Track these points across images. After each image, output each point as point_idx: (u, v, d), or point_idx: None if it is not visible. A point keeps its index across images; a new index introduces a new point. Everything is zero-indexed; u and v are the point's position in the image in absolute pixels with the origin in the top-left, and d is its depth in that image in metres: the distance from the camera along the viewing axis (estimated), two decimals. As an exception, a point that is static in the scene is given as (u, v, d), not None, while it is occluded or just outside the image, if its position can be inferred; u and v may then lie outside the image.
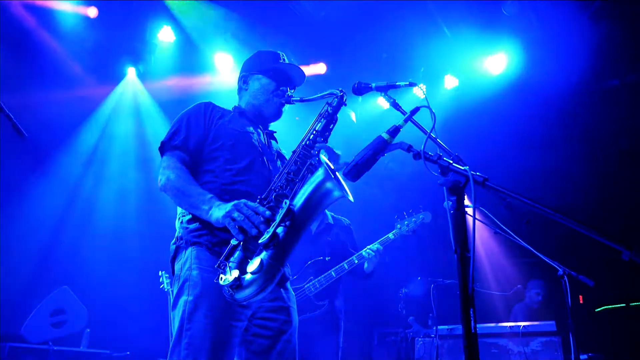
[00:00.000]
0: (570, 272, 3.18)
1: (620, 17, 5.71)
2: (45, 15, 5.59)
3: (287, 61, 2.57)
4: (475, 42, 6.34)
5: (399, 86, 2.09)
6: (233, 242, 2.00)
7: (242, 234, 1.97)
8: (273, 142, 2.59)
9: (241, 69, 2.63)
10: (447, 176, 1.62)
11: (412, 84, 2.10)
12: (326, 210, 4.25)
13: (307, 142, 2.23)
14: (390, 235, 4.03)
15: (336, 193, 2.03)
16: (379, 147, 1.79)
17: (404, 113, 1.91)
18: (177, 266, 2.21)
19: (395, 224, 4.08)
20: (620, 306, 4.93)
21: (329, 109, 2.28)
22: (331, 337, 3.89)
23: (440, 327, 4.50)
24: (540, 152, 6.79)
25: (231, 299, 1.94)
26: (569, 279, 3.15)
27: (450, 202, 1.57)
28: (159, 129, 6.29)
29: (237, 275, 1.91)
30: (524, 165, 6.61)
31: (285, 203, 1.98)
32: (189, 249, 2.17)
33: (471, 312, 1.45)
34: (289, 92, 2.50)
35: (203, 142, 2.33)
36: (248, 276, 1.91)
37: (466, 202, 1.60)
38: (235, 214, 1.99)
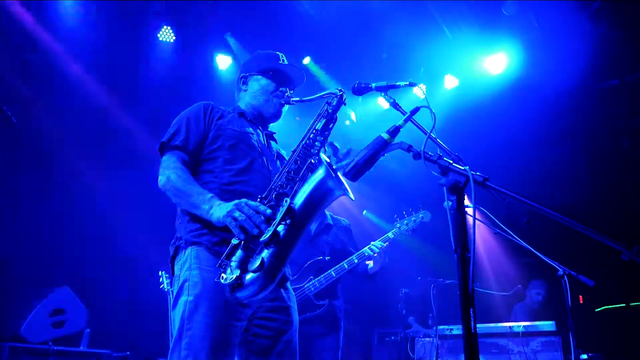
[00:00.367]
0: (570, 272, 3.18)
1: (620, 16, 5.71)
2: (45, 15, 5.59)
3: (286, 62, 2.57)
4: (475, 42, 6.34)
5: (399, 86, 2.09)
6: (234, 241, 2.01)
7: (243, 233, 1.98)
8: (273, 142, 2.59)
9: (240, 70, 2.64)
10: (447, 176, 1.62)
11: (412, 84, 2.10)
12: (325, 211, 4.25)
13: (307, 141, 2.23)
14: (390, 234, 4.02)
15: (337, 192, 2.03)
16: (379, 147, 1.80)
17: (404, 113, 1.91)
18: (177, 266, 2.21)
19: (394, 223, 4.08)
20: (620, 306, 4.94)
21: (329, 108, 2.28)
22: (331, 337, 3.89)
23: (440, 327, 4.50)
24: (540, 152, 6.80)
25: (232, 298, 1.94)
26: (569, 279, 3.15)
27: (450, 202, 1.57)
28: (158, 128, 6.28)
29: (238, 274, 1.91)
30: (524, 165, 6.61)
31: (286, 201, 1.98)
32: (189, 249, 2.17)
33: (471, 312, 1.45)
34: (288, 93, 2.50)
35: (203, 142, 2.33)
36: (249, 275, 1.91)
37: (466, 202, 1.60)
38: (237, 214, 1.99)
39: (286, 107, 2.53)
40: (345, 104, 2.30)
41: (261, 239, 1.94)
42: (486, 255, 7.23)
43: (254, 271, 1.90)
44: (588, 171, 6.56)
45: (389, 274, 5.25)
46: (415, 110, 1.87)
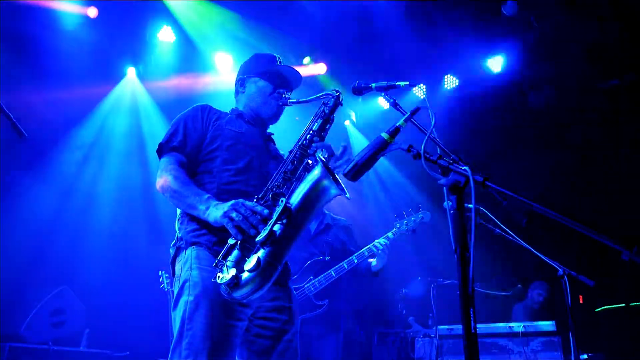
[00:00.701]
0: (570, 272, 3.18)
1: (620, 16, 5.71)
2: (45, 15, 5.59)
3: (283, 64, 2.59)
4: (475, 42, 6.34)
5: (399, 86, 2.09)
6: (230, 241, 2.02)
7: (240, 233, 1.99)
8: (271, 143, 2.60)
9: (238, 72, 2.65)
10: (447, 176, 1.62)
11: (412, 84, 2.10)
12: (325, 211, 4.25)
13: (304, 141, 2.24)
14: (390, 234, 4.02)
15: (333, 191, 2.04)
16: (379, 147, 1.79)
17: (404, 113, 1.91)
18: (177, 267, 2.22)
19: (394, 223, 4.08)
20: (620, 306, 4.94)
21: (325, 109, 2.29)
22: (331, 337, 3.89)
23: (440, 327, 4.50)
24: (540, 152, 6.79)
25: (229, 297, 1.95)
26: (569, 279, 3.15)
27: (450, 202, 1.57)
28: (158, 128, 6.29)
29: (234, 274, 1.92)
30: (524, 165, 6.61)
31: (282, 201, 1.99)
32: (189, 249, 2.18)
33: (471, 312, 1.45)
34: (285, 95, 2.51)
35: (200, 144, 2.35)
36: (245, 274, 1.93)
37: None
38: (234, 214, 2.00)
39: (284, 109, 2.54)
40: (342, 105, 2.31)
41: (257, 239, 1.95)
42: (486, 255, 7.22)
43: (250, 271, 1.91)
44: (588, 171, 6.56)
45: (389, 274, 5.25)
46: (415, 110, 1.87)
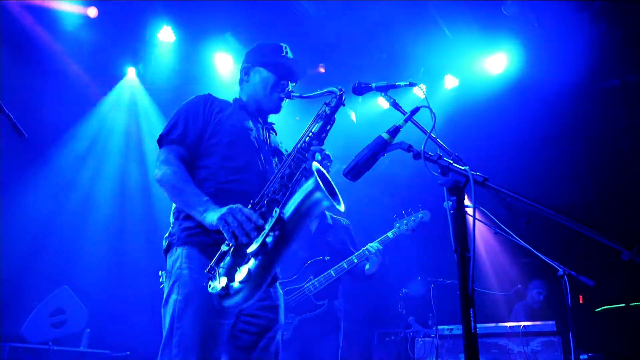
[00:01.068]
0: (570, 272, 3.18)
1: (620, 17, 5.71)
2: (45, 15, 5.59)
3: (289, 54, 2.56)
4: (475, 42, 6.34)
5: (399, 86, 2.09)
6: (224, 247, 2.01)
7: (234, 238, 1.98)
8: (272, 135, 2.58)
9: (244, 60, 2.62)
10: (447, 176, 1.62)
11: (412, 84, 2.10)
12: (325, 211, 4.25)
13: (303, 144, 2.21)
14: (390, 234, 4.02)
15: (325, 203, 2.00)
16: (379, 147, 1.80)
17: (404, 113, 1.91)
18: (169, 261, 2.23)
19: (394, 223, 4.08)
20: (620, 306, 4.94)
21: (327, 109, 2.26)
22: (331, 337, 3.89)
23: (440, 327, 4.50)
24: (540, 152, 6.79)
25: (219, 307, 1.96)
26: (569, 279, 3.15)
27: (450, 202, 1.57)
28: (158, 129, 6.28)
29: (225, 284, 1.92)
30: (524, 165, 6.61)
31: (276, 212, 1.96)
32: (180, 248, 2.18)
33: (471, 312, 1.45)
34: (289, 87, 2.49)
35: (201, 137, 2.33)
36: (236, 284, 1.92)
37: (466, 202, 1.60)
38: (230, 219, 1.99)
39: (286, 101, 2.52)
40: (344, 105, 2.27)
41: (249, 251, 1.93)
42: (487, 255, 7.22)
43: (240, 282, 1.91)
44: (588, 171, 6.56)
45: (389, 274, 5.25)
46: (415, 110, 1.87)
